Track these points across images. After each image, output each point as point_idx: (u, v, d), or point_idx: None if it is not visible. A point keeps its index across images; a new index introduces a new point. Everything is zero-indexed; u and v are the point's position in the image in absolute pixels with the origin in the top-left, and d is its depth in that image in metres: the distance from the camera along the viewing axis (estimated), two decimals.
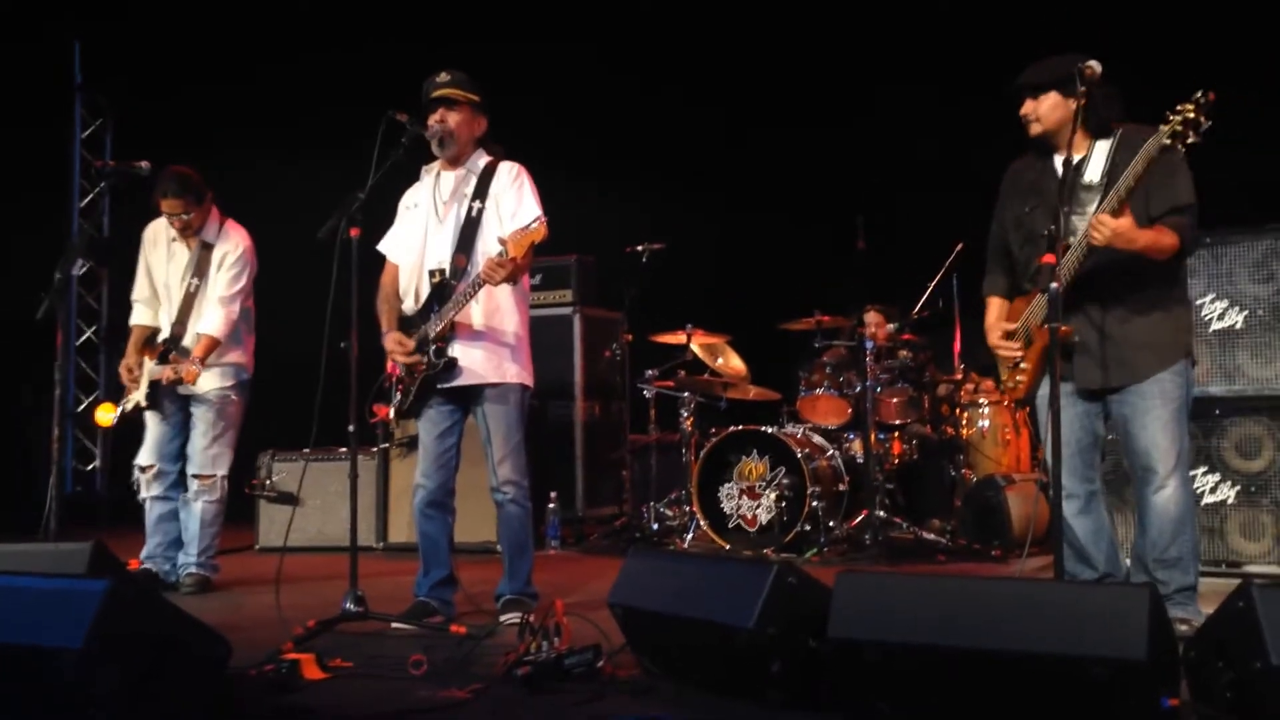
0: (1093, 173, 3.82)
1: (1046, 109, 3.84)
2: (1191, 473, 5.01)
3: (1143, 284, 3.77)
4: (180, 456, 5.41)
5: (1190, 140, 3.45)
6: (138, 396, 5.34)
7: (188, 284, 5.36)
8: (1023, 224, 3.97)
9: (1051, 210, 3.72)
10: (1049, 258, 3.45)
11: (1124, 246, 3.61)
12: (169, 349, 5.32)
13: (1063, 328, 3.67)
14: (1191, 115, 3.42)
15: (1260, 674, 2.39)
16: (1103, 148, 3.83)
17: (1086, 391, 3.85)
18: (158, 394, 5.30)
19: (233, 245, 5.43)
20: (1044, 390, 3.90)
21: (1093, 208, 3.75)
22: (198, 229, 5.39)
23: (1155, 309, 3.79)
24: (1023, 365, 3.91)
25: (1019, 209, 4.00)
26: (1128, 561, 4.09)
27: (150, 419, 5.38)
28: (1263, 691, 2.40)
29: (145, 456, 5.39)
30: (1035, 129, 3.88)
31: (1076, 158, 3.85)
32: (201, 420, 5.35)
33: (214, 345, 5.27)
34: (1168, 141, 3.46)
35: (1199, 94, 3.43)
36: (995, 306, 4.11)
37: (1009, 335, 3.96)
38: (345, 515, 4.37)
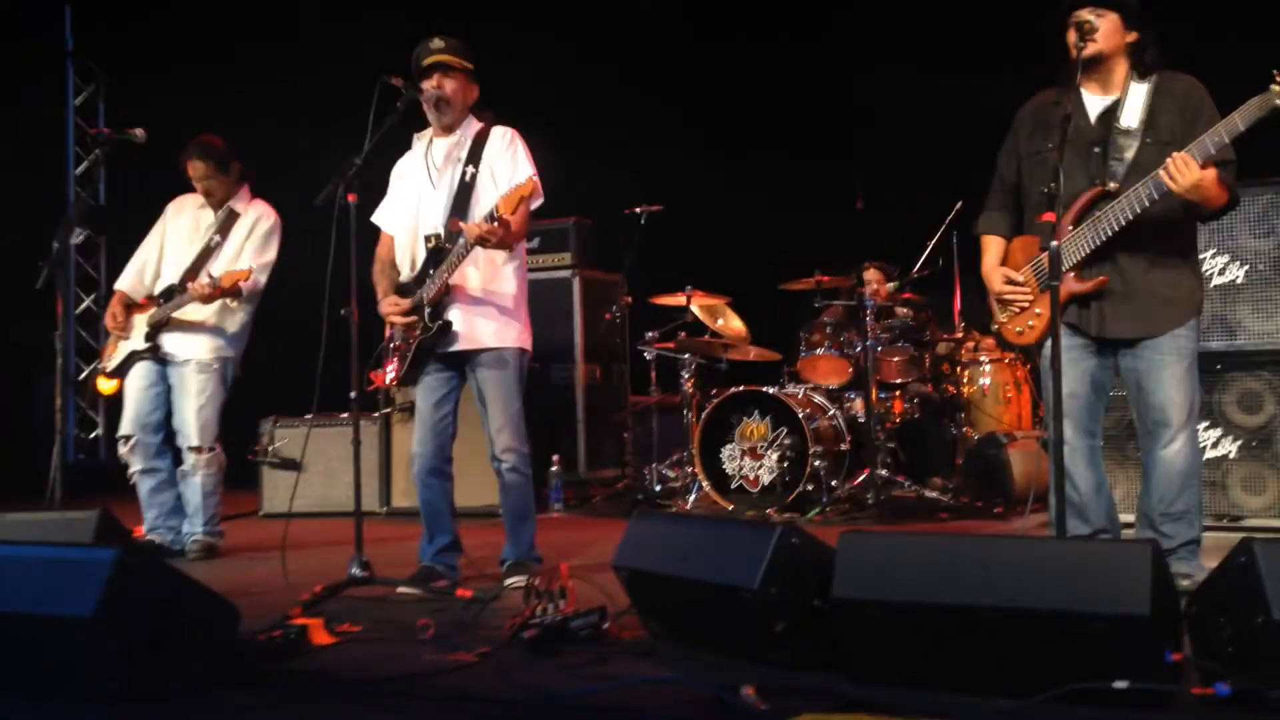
0: (1130, 117, 3.71)
1: (1106, 30, 3.64)
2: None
3: (1170, 237, 3.70)
4: (161, 428, 5.38)
5: None
6: (130, 345, 5.33)
7: (209, 239, 5.35)
8: (1042, 162, 3.79)
9: (1080, 151, 3.65)
10: (1049, 216, 3.37)
11: (1196, 198, 3.51)
12: (172, 294, 5.29)
13: (1099, 278, 3.66)
14: None
15: (1261, 628, 2.41)
16: (1139, 91, 3.71)
17: (1100, 342, 3.79)
18: (156, 336, 5.28)
19: (263, 213, 5.45)
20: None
21: (1130, 154, 3.67)
22: (223, 199, 5.39)
23: (1177, 264, 3.74)
24: (1037, 311, 3.83)
25: (1039, 144, 3.84)
26: (1127, 517, 4.10)
27: (130, 387, 5.35)
28: (1264, 645, 2.42)
29: (126, 426, 5.37)
30: (1091, 48, 3.63)
31: (1111, 99, 3.74)
32: (188, 391, 5.31)
33: (243, 279, 5.11)
34: None
35: None
36: (994, 247, 3.98)
37: (1011, 280, 3.87)
38: (348, 481, 4.39)
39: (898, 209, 7.26)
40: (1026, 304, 3.86)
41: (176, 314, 5.27)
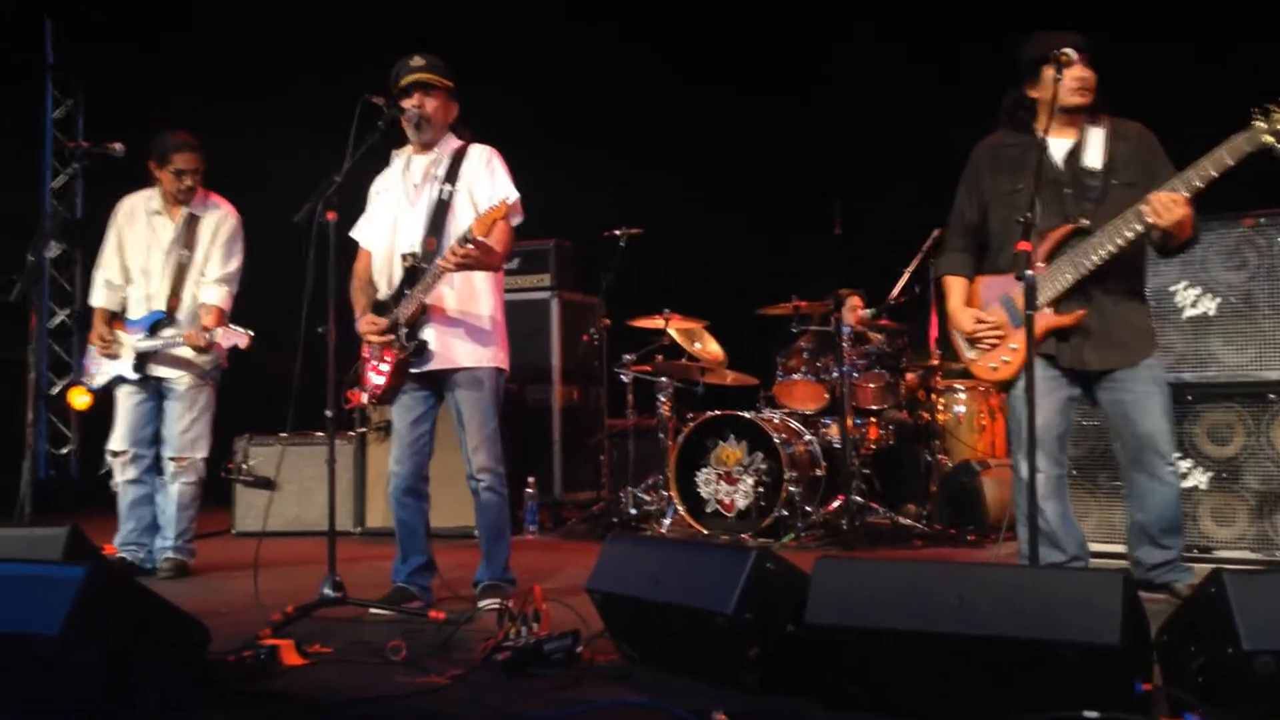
0: (1093, 159, 3.91)
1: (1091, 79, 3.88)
2: None
3: (1131, 273, 3.92)
4: (154, 441, 5.36)
5: None
6: (118, 369, 5.29)
7: (178, 255, 5.31)
8: (1013, 203, 3.90)
9: (1055, 193, 3.82)
10: (1025, 245, 3.42)
11: (1176, 232, 3.71)
12: (157, 326, 5.26)
13: (1079, 311, 3.81)
14: None
15: (1231, 658, 2.42)
16: (1096, 135, 3.93)
17: (1073, 375, 3.92)
18: (145, 365, 5.26)
19: (223, 215, 5.41)
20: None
21: (1097, 194, 3.86)
22: (189, 199, 5.35)
23: (1138, 297, 3.98)
24: (1012, 346, 3.92)
25: (1005, 186, 4.00)
26: (1097, 546, 4.22)
27: (122, 404, 5.33)
28: (1233, 675, 2.44)
29: (118, 442, 5.34)
30: (1087, 97, 3.87)
31: (1071, 142, 3.93)
32: (178, 404, 5.31)
33: (222, 317, 5.25)
34: (1268, 140, 3.46)
35: None
36: (958, 287, 4.11)
37: (981, 320, 3.99)
38: (323, 500, 4.37)
39: (875, 235, 7.31)
40: (997, 340, 3.93)
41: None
